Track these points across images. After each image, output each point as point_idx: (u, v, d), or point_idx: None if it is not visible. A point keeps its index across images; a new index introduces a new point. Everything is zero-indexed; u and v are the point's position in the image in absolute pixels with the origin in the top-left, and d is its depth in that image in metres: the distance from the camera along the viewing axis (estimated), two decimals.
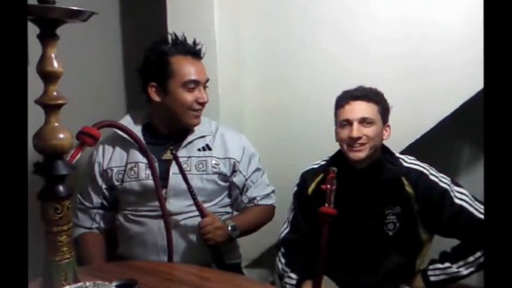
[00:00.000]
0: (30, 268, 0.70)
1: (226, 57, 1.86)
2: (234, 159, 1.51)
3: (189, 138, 1.48)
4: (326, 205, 1.25)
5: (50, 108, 0.84)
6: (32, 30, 0.81)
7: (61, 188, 0.85)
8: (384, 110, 1.37)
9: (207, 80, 1.48)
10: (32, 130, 0.82)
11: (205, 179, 1.45)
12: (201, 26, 1.78)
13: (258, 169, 1.58)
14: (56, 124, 0.84)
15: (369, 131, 1.33)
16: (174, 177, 1.42)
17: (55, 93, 0.84)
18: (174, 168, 1.43)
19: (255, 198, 1.55)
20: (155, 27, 1.90)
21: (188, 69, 1.43)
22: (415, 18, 1.68)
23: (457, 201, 1.34)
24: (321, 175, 1.42)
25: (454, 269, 1.36)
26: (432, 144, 1.82)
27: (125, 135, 1.34)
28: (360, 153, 1.34)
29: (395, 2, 1.72)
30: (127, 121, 1.50)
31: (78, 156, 0.97)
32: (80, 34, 1.63)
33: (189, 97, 1.43)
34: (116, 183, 1.46)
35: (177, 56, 1.44)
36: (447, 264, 1.37)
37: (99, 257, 1.43)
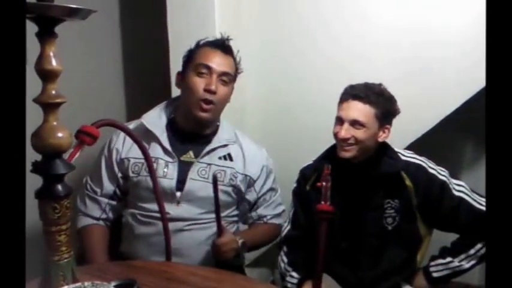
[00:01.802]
0: (29, 268, 0.70)
1: None
2: (250, 176, 1.49)
3: (212, 145, 1.45)
4: (322, 202, 1.24)
5: (49, 107, 0.83)
6: (31, 28, 0.80)
7: (60, 187, 0.85)
8: (384, 113, 1.35)
9: (225, 74, 1.42)
10: (30, 129, 0.82)
11: (221, 189, 1.40)
12: (201, 24, 1.77)
13: (272, 189, 1.57)
14: (55, 123, 0.84)
15: (359, 133, 1.32)
16: (192, 183, 1.40)
17: (54, 92, 0.83)
18: (192, 174, 1.41)
19: (265, 216, 1.54)
20: (155, 26, 1.89)
21: (205, 55, 1.41)
22: (417, 15, 1.69)
23: (456, 193, 1.35)
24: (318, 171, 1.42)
25: (456, 263, 1.36)
26: (434, 143, 1.81)
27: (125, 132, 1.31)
28: (346, 153, 1.35)
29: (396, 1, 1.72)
30: (155, 114, 1.48)
31: (77, 155, 0.96)
32: (79, 32, 1.62)
33: (198, 82, 1.39)
34: (132, 174, 1.42)
35: (205, 47, 1.44)
36: (449, 259, 1.37)
37: (101, 255, 1.41)
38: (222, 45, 1.45)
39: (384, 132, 1.37)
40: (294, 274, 1.45)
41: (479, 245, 1.33)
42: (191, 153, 1.45)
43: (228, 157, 1.47)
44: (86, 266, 1.24)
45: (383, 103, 1.34)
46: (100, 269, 1.15)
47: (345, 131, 1.32)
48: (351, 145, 1.34)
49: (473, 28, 1.58)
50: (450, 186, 1.35)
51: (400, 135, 1.60)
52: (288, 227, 1.51)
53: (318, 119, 1.82)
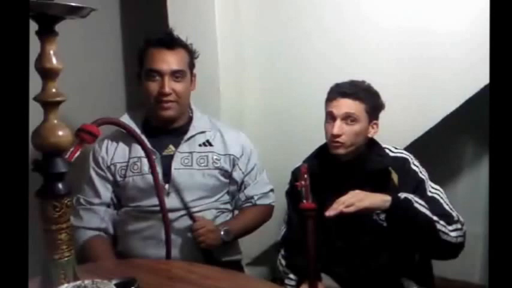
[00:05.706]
0: (30, 267, 0.69)
1: (227, 55, 1.85)
2: (233, 155, 1.52)
3: (189, 133, 1.49)
4: (304, 201, 1.23)
5: (49, 105, 0.83)
6: (31, 26, 0.80)
7: (60, 185, 0.85)
8: (373, 108, 1.37)
9: (177, 71, 1.42)
10: (30, 127, 0.81)
11: (206, 174, 1.46)
12: (202, 23, 1.78)
13: (256, 166, 1.58)
14: (55, 121, 0.84)
15: (351, 129, 1.34)
16: (176, 172, 1.44)
17: (54, 90, 0.83)
18: (175, 164, 1.44)
19: (252, 197, 1.56)
20: (155, 24, 1.89)
21: (152, 59, 1.42)
22: (416, 17, 1.68)
23: (429, 193, 1.35)
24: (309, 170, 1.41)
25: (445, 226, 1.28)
26: (434, 143, 1.81)
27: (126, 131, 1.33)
28: (338, 150, 1.36)
29: None
30: (125, 119, 1.49)
31: (77, 154, 0.96)
32: (79, 30, 1.62)
33: (152, 87, 1.42)
34: (119, 178, 1.45)
35: (151, 48, 1.44)
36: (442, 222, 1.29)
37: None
38: (167, 42, 1.44)
39: (373, 127, 1.40)
40: (292, 277, 1.45)
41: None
42: (171, 146, 1.48)
43: (208, 143, 1.51)
44: (86, 265, 1.23)
45: (370, 98, 1.37)
46: (100, 268, 1.15)
47: (338, 128, 1.33)
48: (342, 142, 1.35)
49: (473, 29, 1.58)
50: (426, 186, 1.36)
51: (400, 136, 1.60)
52: (285, 229, 1.51)
53: (317, 120, 1.82)
